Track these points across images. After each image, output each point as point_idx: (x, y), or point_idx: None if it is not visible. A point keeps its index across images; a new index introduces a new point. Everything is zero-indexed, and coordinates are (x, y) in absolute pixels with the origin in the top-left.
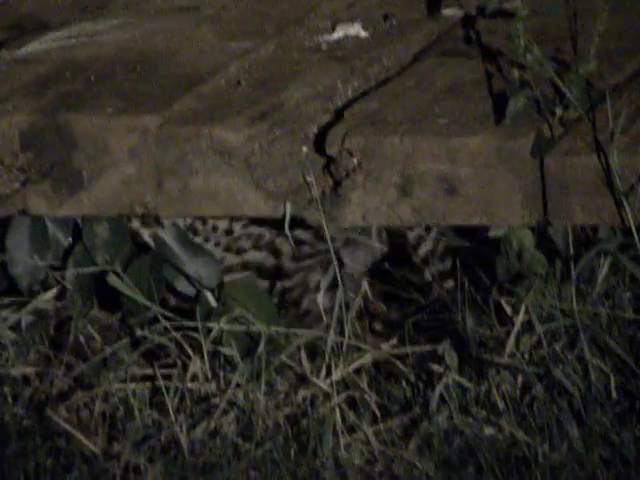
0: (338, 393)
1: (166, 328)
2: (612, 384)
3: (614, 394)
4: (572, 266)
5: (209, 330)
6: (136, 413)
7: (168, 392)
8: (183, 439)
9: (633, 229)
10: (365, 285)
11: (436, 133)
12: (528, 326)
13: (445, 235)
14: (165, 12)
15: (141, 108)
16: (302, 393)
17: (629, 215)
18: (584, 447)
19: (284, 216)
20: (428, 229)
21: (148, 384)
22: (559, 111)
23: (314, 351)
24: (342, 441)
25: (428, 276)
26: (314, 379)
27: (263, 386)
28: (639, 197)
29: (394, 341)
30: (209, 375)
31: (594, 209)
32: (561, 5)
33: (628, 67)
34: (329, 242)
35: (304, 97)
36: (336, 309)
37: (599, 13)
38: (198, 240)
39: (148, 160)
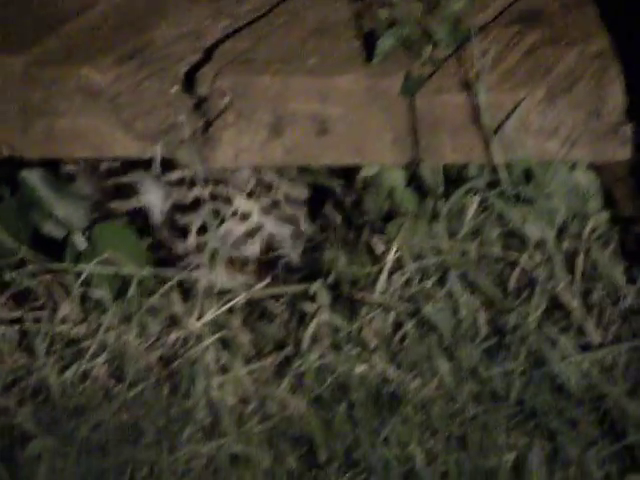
0: (211, 334)
1: (35, 271)
2: (481, 320)
3: (483, 330)
4: (442, 204)
5: (79, 273)
6: (5, 357)
7: (37, 335)
8: (53, 382)
9: (500, 167)
10: (238, 226)
11: (306, 72)
12: (399, 264)
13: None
14: None
15: (5, 48)
16: (174, 335)
17: (497, 153)
18: (454, 382)
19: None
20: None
21: (17, 327)
22: (428, 50)
23: (186, 293)
24: (215, 381)
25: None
26: (186, 320)
27: (134, 328)
28: (506, 135)
29: (267, 281)
30: (79, 318)
31: (463, 147)
32: None
33: (495, 5)
34: (201, 182)
35: (173, 37)
36: (207, 250)
37: None
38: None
39: (13, 101)
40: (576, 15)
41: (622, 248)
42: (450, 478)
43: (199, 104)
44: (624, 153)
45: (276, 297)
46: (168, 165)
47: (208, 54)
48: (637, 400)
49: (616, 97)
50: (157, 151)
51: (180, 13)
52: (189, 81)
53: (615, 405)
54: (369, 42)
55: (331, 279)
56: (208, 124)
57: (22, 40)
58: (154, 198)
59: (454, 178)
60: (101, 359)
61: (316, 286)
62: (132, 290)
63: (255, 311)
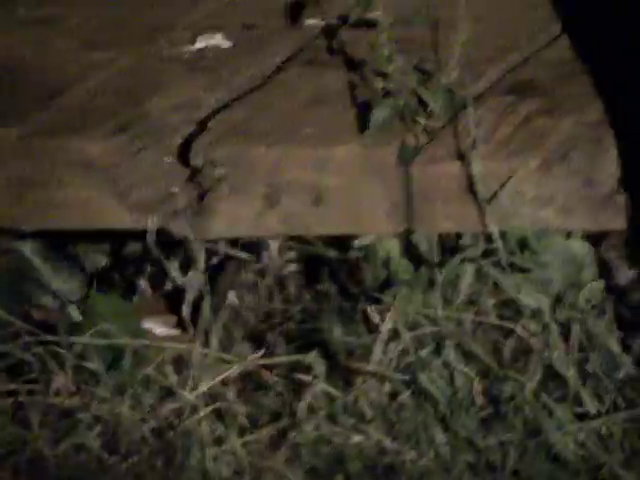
0: (205, 405)
1: (29, 343)
2: (477, 389)
3: (479, 399)
4: (437, 273)
5: (73, 344)
6: None
7: (32, 407)
8: (47, 454)
9: (495, 235)
10: (232, 296)
11: (302, 142)
12: (395, 334)
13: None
14: (27, 23)
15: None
16: (168, 406)
17: (491, 222)
18: (450, 452)
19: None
20: (295, 239)
21: (11, 399)
22: (423, 120)
23: (180, 363)
24: (209, 453)
25: (294, 286)
26: (180, 391)
27: (128, 400)
28: (501, 204)
29: (262, 352)
30: (73, 390)
31: (458, 216)
32: (424, 15)
33: (489, 75)
34: (196, 254)
35: (167, 108)
36: (201, 320)
37: (460, 22)
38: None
39: (8, 173)
40: (570, 85)
41: (617, 317)
42: None
43: (194, 175)
44: (618, 222)
45: (271, 368)
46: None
47: (203, 125)
48: (633, 471)
49: (610, 166)
50: (152, 222)
51: (175, 84)
52: (184, 152)
53: (611, 475)
54: (365, 112)
55: (326, 349)
56: (203, 195)
57: (16, 113)
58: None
59: (449, 247)
60: (95, 431)
61: (311, 356)
62: (126, 361)
63: (250, 382)
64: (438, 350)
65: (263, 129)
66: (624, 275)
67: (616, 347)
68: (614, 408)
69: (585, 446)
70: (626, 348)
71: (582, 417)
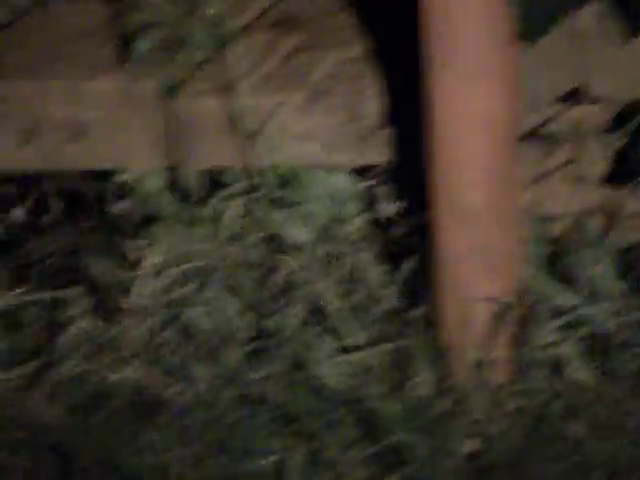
0: None
1: None
2: (242, 324)
3: (244, 334)
4: (202, 209)
5: None
6: None
7: None
8: None
9: (260, 171)
10: None
11: (59, 76)
12: (159, 269)
13: (73, 180)
14: None
15: None
16: None
17: (258, 156)
18: (214, 388)
19: None
20: (57, 174)
21: None
22: (186, 53)
23: None
24: None
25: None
26: None
27: None
28: (265, 139)
29: (24, 288)
30: None
31: (222, 152)
32: None
33: (254, 8)
34: None
35: None
36: None
37: None
38: None
39: None
40: (333, 20)
41: (381, 251)
42: None
43: None
44: (382, 156)
45: (32, 304)
46: None
47: None
48: (396, 402)
49: (373, 102)
50: None
51: None
52: None
53: (374, 407)
54: (126, 45)
55: (89, 285)
56: None
57: None
58: None
59: (214, 182)
60: None
61: (74, 292)
62: None
63: (10, 319)
64: (203, 286)
65: (22, 62)
66: (387, 209)
67: (380, 280)
68: (378, 340)
69: (349, 378)
70: (390, 281)
71: (347, 350)
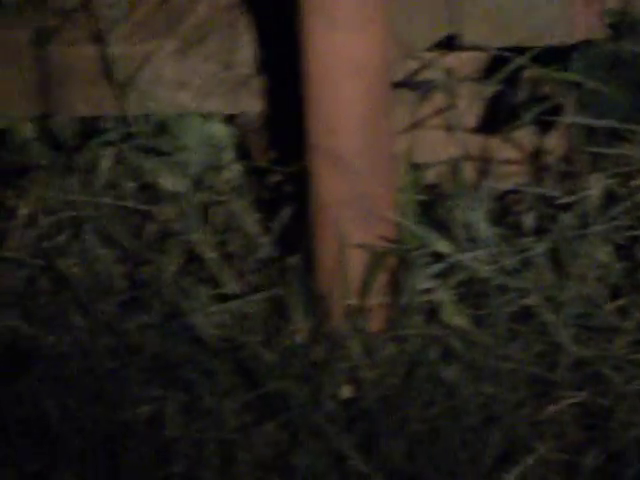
0: None
1: None
2: (116, 273)
3: (119, 283)
4: (76, 157)
5: None
6: None
7: None
8: None
9: (134, 119)
10: None
11: None
12: (32, 219)
13: None
14: None
15: None
16: None
17: (131, 105)
18: (89, 337)
19: None
20: None
21: None
22: (57, 1)
23: None
24: None
25: None
26: None
27: None
28: (138, 87)
29: None
30: None
31: (96, 100)
32: None
33: None
34: None
35: None
36: None
37: None
38: None
39: None
40: None
41: (257, 199)
42: (88, 433)
43: None
44: (256, 105)
45: None
46: None
47: None
48: (272, 350)
49: (247, 49)
50: None
51: None
52: None
53: (251, 355)
54: None
55: None
56: None
57: None
58: None
59: (88, 131)
60: None
61: None
62: None
63: None
64: (77, 235)
65: None
66: (263, 157)
67: (255, 228)
68: (254, 289)
69: (225, 327)
70: (266, 229)
71: (223, 298)
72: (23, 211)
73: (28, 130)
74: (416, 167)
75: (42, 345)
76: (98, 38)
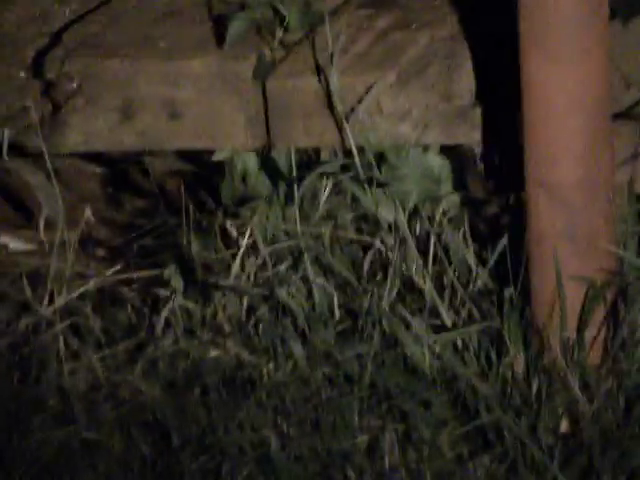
0: (62, 320)
1: None
2: (335, 303)
3: (337, 313)
4: (295, 188)
5: None
6: None
7: None
8: None
9: (353, 150)
10: (88, 211)
11: (156, 56)
12: (253, 249)
13: (169, 159)
14: None
15: None
16: (24, 321)
17: (350, 136)
18: (308, 366)
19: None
20: (151, 153)
21: None
22: (279, 33)
23: (36, 279)
24: (66, 368)
25: (154, 201)
26: (36, 306)
27: None
28: (359, 119)
29: (118, 266)
30: None
31: (316, 131)
32: None
33: None
34: (50, 169)
35: (20, 21)
36: (58, 236)
37: None
38: None
39: None
40: None
41: (472, 230)
42: (304, 461)
43: (48, 88)
44: (474, 136)
45: (128, 282)
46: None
47: (56, 38)
48: (487, 381)
49: (466, 81)
50: (3, 135)
51: None
52: (37, 65)
53: (466, 386)
54: (221, 26)
55: (184, 264)
56: (57, 108)
57: None
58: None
59: (307, 162)
60: None
61: (169, 271)
62: None
63: (107, 297)
64: (296, 265)
65: (118, 42)
66: (479, 188)
67: (472, 259)
68: (469, 320)
69: (441, 358)
70: (481, 261)
71: (438, 329)
72: (244, 241)
73: (250, 161)
74: (635, 198)
75: (263, 373)
76: (319, 70)
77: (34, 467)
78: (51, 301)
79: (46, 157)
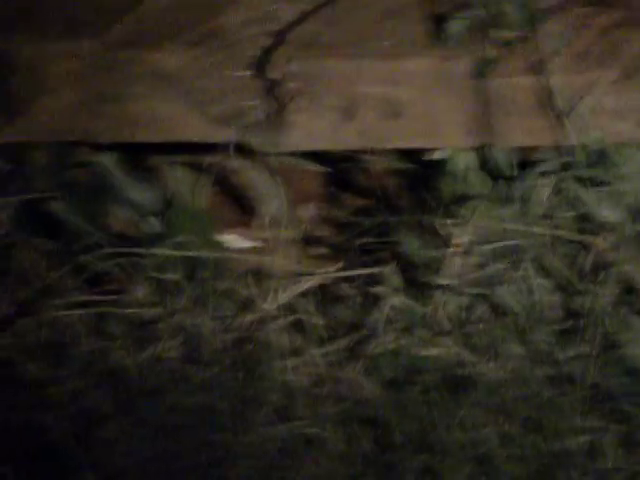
0: (284, 316)
1: (110, 254)
2: (555, 303)
3: (557, 313)
4: (514, 187)
5: (154, 256)
6: (82, 339)
7: (113, 318)
8: (129, 364)
9: (573, 149)
10: (311, 210)
11: (377, 55)
12: (472, 248)
13: (389, 158)
14: None
15: (79, 33)
16: (249, 317)
17: (570, 135)
18: (528, 365)
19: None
20: (372, 152)
21: (92, 310)
22: (498, 32)
23: (259, 276)
24: (289, 364)
25: (371, 199)
26: (260, 303)
27: (209, 310)
28: (579, 116)
29: (340, 264)
30: (154, 300)
31: (535, 130)
32: None
33: None
34: (273, 167)
35: (244, 21)
36: (281, 234)
37: None
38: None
39: (87, 85)
40: None
41: None
42: (525, 461)
43: (271, 88)
44: None
45: (349, 280)
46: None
47: (280, 38)
48: None
49: None
50: (231, 135)
51: None
52: (261, 65)
53: None
54: (439, 24)
55: (403, 262)
56: (281, 108)
57: (94, 25)
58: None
59: (525, 161)
60: (176, 341)
61: (388, 269)
62: (206, 273)
63: (328, 294)
64: (515, 264)
65: (338, 42)
66: None
67: None
68: None
69: None
70: None
71: None
72: (461, 239)
73: (467, 160)
74: None
75: (483, 372)
76: (537, 69)
77: (259, 463)
78: (274, 298)
79: (270, 156)
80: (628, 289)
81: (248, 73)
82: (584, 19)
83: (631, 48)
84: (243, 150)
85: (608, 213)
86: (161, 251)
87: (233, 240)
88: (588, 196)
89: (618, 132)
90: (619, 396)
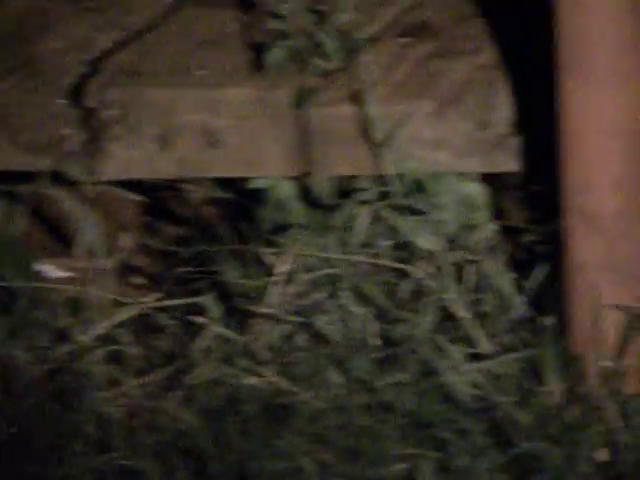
0: (100, 347)
1: None
2: (372, 331)
3: (374, 341)
4: (333, 216)
5: None
6: None
7: None
8: None
9: (391, 178)
10: (126, 239)
11: (196, 84)
12: (290, 276)
13: (207, 187)
14: None
15: None
16: (63, 348)
17: (388, 164)
18: (345, 394)
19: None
20: (189, 181)
21: None
22: (318, 62)
23: (75, 306)
24: (106, 395)
25: (191, 228)
26: (75, 334)
27: (22, 342)
28: (397, 146)
29: (159, 294)
30: None
31: (354, 159)
32: None
33: (384, 16)
34: (88, 197)
35: (60, 49)
36: (97, 263)
37: None
38: None
39: None
40: (464, 27)
41: (511, 259)
42: None
43: (87, 117)
44: (512, 164)
45: (168, 310)
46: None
47: (95, 66)
48: (526, 410)
49: (504, 109)
50: (47, 164)
51: (66, 25)
52: (76, 94)
53: (505, 415)
54: (259, 54)
55: (222, 292)
56: (97, 137)
57: None
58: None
59: (345, 190)
60: None
61: (206, 299)
62: (20, 304)
63: (145, 324)
64: (333, 293)
65: (157, 71)
66: (517, 216)
67: (509, 288)
68: (508, 348)
69: (479, 386)
70: (519, 289)
71: (476, 358)
72: (282, 268)
73: (287, 189)
74: None
75: (300, 401)
76: (356, 99)
77: None
78: (90, 328)
79: (85, 185)
80: (446, 317)
81: (64, 101)
82: (403, 49)
83: (447, 79)
84: (60, 179)
85: (426, 242)
86: None
87: (50, 270)
88: (406, 225)
89: (435, 162)
90: (434, 423)
